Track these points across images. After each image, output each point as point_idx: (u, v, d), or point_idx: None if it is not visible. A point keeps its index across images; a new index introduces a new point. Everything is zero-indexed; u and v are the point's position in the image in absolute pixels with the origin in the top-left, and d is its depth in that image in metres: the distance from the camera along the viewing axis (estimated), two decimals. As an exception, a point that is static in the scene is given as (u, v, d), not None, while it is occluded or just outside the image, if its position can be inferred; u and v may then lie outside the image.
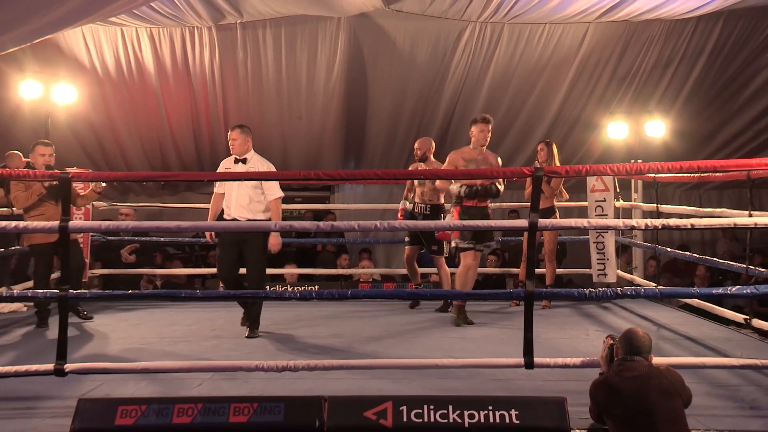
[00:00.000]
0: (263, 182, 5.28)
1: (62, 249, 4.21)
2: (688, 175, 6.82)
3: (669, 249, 7.22)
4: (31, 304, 6.33)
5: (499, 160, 5.99)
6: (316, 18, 8.56)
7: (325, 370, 3.95)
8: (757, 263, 7.67)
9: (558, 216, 6.71)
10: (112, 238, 7.77)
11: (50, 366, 3.85)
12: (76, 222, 5.57)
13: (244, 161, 5.39)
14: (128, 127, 9.59)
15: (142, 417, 3.47)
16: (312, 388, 3.95)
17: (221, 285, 7.49)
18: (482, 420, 3.45)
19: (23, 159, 6.74)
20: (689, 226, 4.09)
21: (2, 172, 4.53)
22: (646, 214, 7.25)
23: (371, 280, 8.28)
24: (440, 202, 6.42)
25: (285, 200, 10.84)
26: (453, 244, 5.87)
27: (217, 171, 5.59)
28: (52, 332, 5.33)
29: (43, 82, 8.23)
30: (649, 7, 8.04)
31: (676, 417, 3.11)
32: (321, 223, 4.20)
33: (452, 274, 6.50)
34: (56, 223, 3.98)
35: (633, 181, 7.75)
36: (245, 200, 5.32)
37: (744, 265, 5.59)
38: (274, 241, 5.31)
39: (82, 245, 7.00)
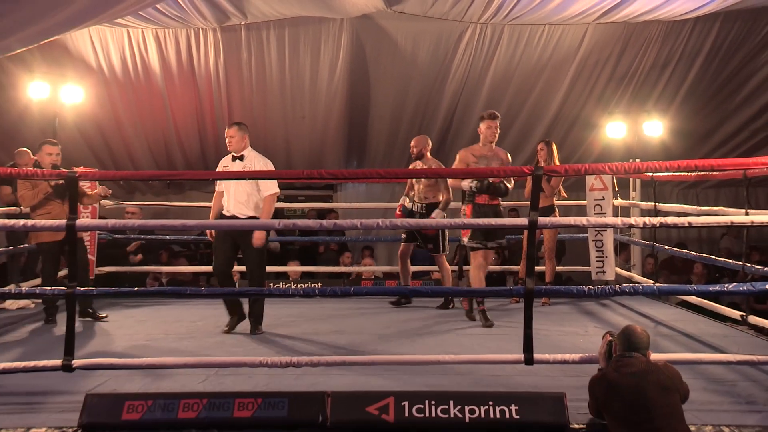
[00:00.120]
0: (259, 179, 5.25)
1: (69, 247, 4.21)
2: (686, 173, 6.81)
3: (667, 247, 7.22)
4: (39, 301, 6.34)
5: (509, 155, 5.94)
6: (319, 19, 8.56)
7: (327, 366, 3.96)
8: (755, 261, 7.66)
9: (557, 214, 6.70)
10: (119, 236, 7.78)
11: (58, 362, 3.86)
12: (83, 220, 5.57)
13: (241, 158, 5.35)
14: (134, 126, 9.60)
15: (149, 412, 3.47)
16: (315, 383, 3.95)
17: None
18: (483, 415, 3.45)
19: (32, 156, 6.75)
20: (687, 224, 4.09)
21: (11, 171, 4.53)
22: (644, 213, 7.24)
23: (373, 277, 8.28)
24: (436, 200, 6.38)
25: (289, 199, 11.00)
26: (464, 242, 5.83)
27: (217, 170, 5.57)
28: (60, 329, 5.35)
29: (51, 82, 8.24)
30: (647, 9, 8.03)
31: (673, 412, 3.11)
32: (324, 221, 4.20)
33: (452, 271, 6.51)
34: (64, 221, 3.98)
35: (631, 179, 7.75)
36: (243, 197, 5.30)
37: (741, 263, 5.59)
38: (258, 236, 5.24)
39: (88, 243, 7.01)
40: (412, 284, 6.85)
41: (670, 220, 4.10)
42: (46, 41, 6.35)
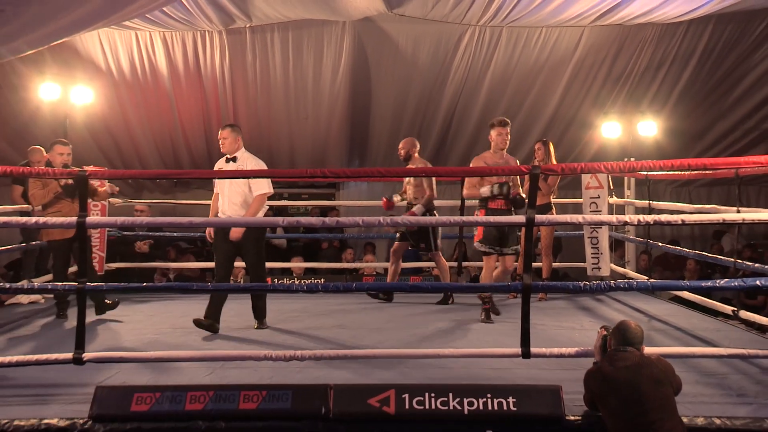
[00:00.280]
0: (251, 178, 5.20)
1: (80, 244, 4.22)
2: (679, 172, 6.82)
3: (660, 244, 7.22)
4: (49, 296, 6.36)
5: (517, 161, 5.85)
6: (322, 22, 8.55)
7: (330, 359, 3.97)
8: (746, 257, 7.67)
9: (554, 212, 6.70)
10: (128, 233, 7.79)
11: (69, 355, 3.88)
12: (92, 218, 5.57)
13: (234, 160, 5.31)
14: (142, 127, 9.60)
15: (157, 404, 3.49)
16: (318, 376, 3.96)
17: (231, 278, 7.54)
18: (481, 407, 3.45)
19: (45, 154, 6.76)
20: (680, 222, 4.10)
21: (23, 171, 4.54)
22: (639, 210, 7.25)
23: (375, 273, 8.29)
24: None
25: (292, 197, 10.98)
26: (475, 246, 5.73)
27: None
28: (71, 323, 5.37)
29: (61, 84, 8.24)
30: (641, 12, 8.02)
31: (666, 404, 3.12)
32: (327, 219, 4.19)
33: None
34: (74, 219, 3.99)
35: (626, 178, 7.75)
36: (238, 198, 5.25)
37: (732, 259, 5.59)
38: (235, 231, 5.17)
39: (97, 240, 7.03)
40: (413, 280, 6.86)
41: (663, 217, 4.11)
42: (55, 43, 6.36)
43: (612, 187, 7.43)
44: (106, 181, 6.13)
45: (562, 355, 3.88)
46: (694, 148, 10.03)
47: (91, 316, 5.57)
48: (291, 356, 3.84)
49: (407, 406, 3.47)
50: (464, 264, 7.69)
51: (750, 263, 5.71)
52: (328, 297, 6.67)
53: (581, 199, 7.39)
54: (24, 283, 6.19)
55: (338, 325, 5.59)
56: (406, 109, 9.61)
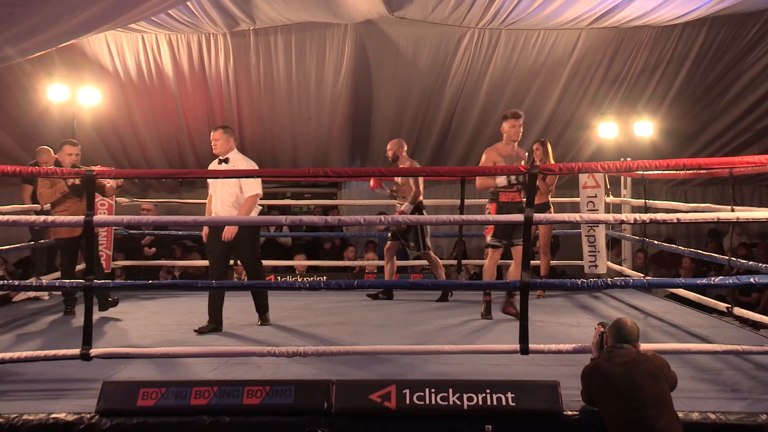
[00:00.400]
0: (242, 179, 5.12)
1: (87, 242, 4.22)
2: (675, 172, 6.80)
3: (656, 242, 7.22)
4: (57, 293, 6.36)
5: (526, 154, 5.76)
6: (324, 25, 8.55)
7: (332, 355, 3.96)
8: (741, 255, 7.65)
9: (552, 211, 6.69)
10: (134, 231, 7.79)
11: (76, 351, 3.87)
12: (99, 216, 5.56)
13: (226, 161, 5.23)
14: (148, 127, 9.61)
15: (162, 399, 3.48)
16: (320, 372, 3.95)
17: (235, 275, 7.55)
18: (480, 402, 3.45)
19: (53, 154, 6.76)
20: (675, 221, 4.09)
21: (32, 171, 4.54)
22: (635, 209, 7.23)
23: (376, 271, 8.29)
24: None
25: (295, 196, 10.97)
26: (487, 241, 5.61)
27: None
28: (78, 320, 5.37)
29: (69, 85, 8.24)
30: (637, 14, 8.01)
31: (662, 400, 3.11)
32: (329, 218, 4.18)
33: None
34: (82, 217, 3.99)
35: (622, 178, 7.74)
36: (230, 199, 5.18)
37: (726, 257, 5.58)
38: (229, 229, 5.07)
39: (104, 238, 7.03)
40: (413, 277, 6.85)
41: (659, 216, 4.10)
42: (63, 45, 6.36)
43: (609, 187, 7.42)
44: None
45: (559, 352, 3.87)
46: (689, 148, 10.02)
47: (97, 313, 5.58)
48: (294, 352, 3.84)
49: (408, 402, 3.46)
50: (463, 261, 7.69)
51: (744, 261, 5.70)
52: (330, 294, 6.67)
53: (578, 198, 7.37)
54: (33, 280, 6.20)
55: (340, 322, 5.58)
56: (406, 110, 9.61)
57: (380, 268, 8.43)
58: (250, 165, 5.27)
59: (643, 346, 3.41)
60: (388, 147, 6.54)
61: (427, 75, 9.17)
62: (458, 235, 7.70)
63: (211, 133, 5.32)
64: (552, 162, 6.69)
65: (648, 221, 4.07)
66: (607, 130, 9.24)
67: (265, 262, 8.55)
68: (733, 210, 4.95)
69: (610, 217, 5.76)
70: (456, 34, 8.69)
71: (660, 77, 9.33)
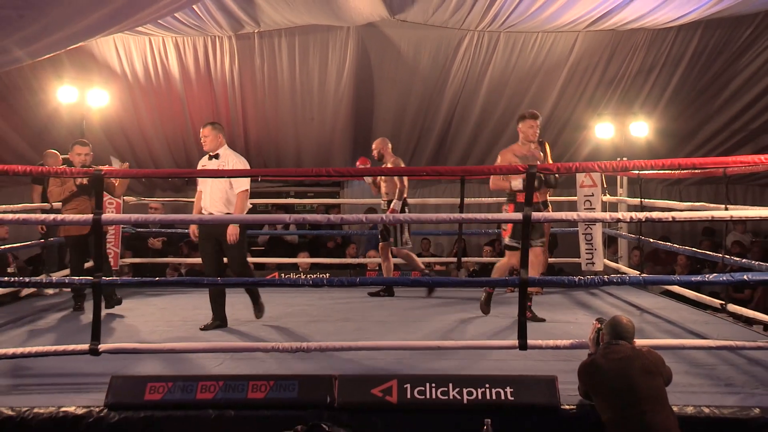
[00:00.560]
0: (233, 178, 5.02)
1: (96, 239, 4.22)
2: (670, 171, 6.79)
3: (652, 240, 7.20)
4: (66, 289, 6.37)
5: (542, 154, 5.56)
6: (327, 27, 8.54)
7: (335, 351, 3.96)
8: (735, 253, 7.64)
9: (550, 209, 6.67)
10: (141, 229, 7.79)
11: (85, 346, 3.88)
12: (108, 215, 5.57)
13: (216, 157, 5.11)
14: (155, 128, 9.61)
15: (169, 393, 3.48)
16: (323, 367, 3.95)
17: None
18: (480, 397, 3.45)
19: (60, 157, 6.77)
20: (670, 219, 4.09)
21: (42, 170, 4.55)
22: (631, 208, 7.21)
23: (377, 268, 8.28)
24: (393, 197, 6.32)
25: (299, 195, 10.96)
26: (505, 242, 5.43)
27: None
28: (87, 316, 5.38)
29: (78, 87, 8.25)
30: (633, 17, 8.00)
31: (657, 394, 3.11)
32: (332, 216, 4.18)
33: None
34: (90, 216, 3.99)
35: (619, 177, 7.73)
36: (219, 195, 5.07)
37: (720, 255, 5.58)
38: (232, 231, 4.97)
39: (113, 236, 7.03)
40: (414, 275, 6.84)
41: (655, 215, 4.09)
42: (72, 47, 6.35)
43: (605, 186, 7.41)
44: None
45: (557, 347, 3.87)
46: (683, 148, 10.01)
47: (105, 310, 5.58)
48: (297, 348, 3.84)
49: (409, 396, 3.46)
50: (463, 259, 7.69)
51: (738, 258, 5.69)
52: (332, 291, 6.66)
53: (576, 197, 7.36)
54: (43, 277, 6.21)
55: (343, 318, 5.58)
56: (407, 110, 9.60)
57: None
58: (241, 160, 5.17)
59: (639, 342, 3.41)
60: (373, 146, 6.52)
61: (428, 77, 9.16)
62: (458, 233, 7.70)
63: (201, 130, 5.21)
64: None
65: (644, 219, 4.07)
66: (603, 130, 9.23)
67: (269, 260, 8.63)
68: (726, 209, 4.95)
69: (607, 215, 5.77)
70: (456, 36, 8.68)
71: (655, 79, 9.32)
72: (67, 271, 6.53)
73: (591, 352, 3.50)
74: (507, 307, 5.86)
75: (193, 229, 5.34)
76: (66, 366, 3.99)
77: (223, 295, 5.19)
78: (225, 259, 5.28)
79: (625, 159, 7.09)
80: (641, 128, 9.13)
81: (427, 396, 3.46)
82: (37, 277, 6.50)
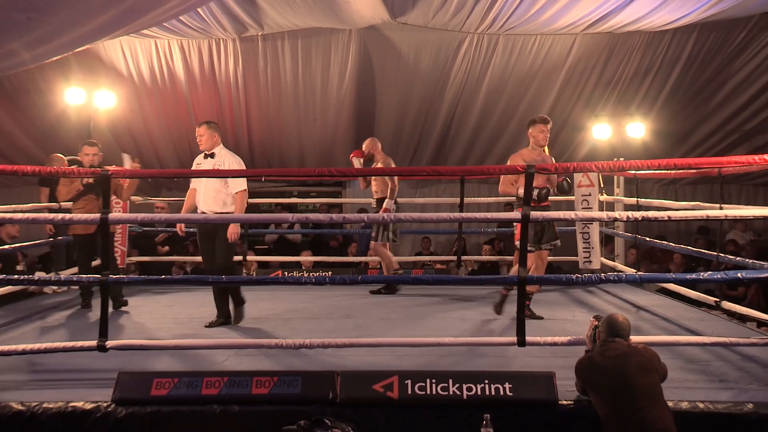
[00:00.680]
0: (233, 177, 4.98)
1: (102, 238, 4.22)
2: (666, 171, 6.78)
3: (648, 239, 7.20)
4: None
5: (553, 159, 5.52)
6: (330, 30, 8.54)
7: (337, 347, 3.96)
8: (729, 251, 7.64)
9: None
10: (148, 228, 7.80)
11: (93, 342, 3.88)
12: (114, 214, 5.58)
13: (212, 156, 5.07)
14: (161, 129, 9.62)
15: (175, 388, 3.49)
16: (326, 363, 3.95)
17: (244, 270, 7.56)
18: (479, 392, 3.45)
19: (66, 160, 6.79)
20: (666, 218, 4.09)
21: (50, 170, 4.56)
22: (628, 207, 7.21)
23: (379, 266, 8.28)
24: (384, 195, 6.32)
25: (302, 194, 10.96)
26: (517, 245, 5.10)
27: (192, 168, 5.35)
28: (95, 313, 5.39)
29: (86, 88, 8.26)
30: (630, 20, 7.99)
31: (653, 391, 3.12)
32: (334, 216, 4.18)
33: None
34: (98, 215, 4.00)
35: (615, 177, 7.72)
36: (212, 193, 5.02)
37: (715, 253, 5.58)
38: (232, 230, 4.94)
39: (120, 235, 7.03)
40: (415, 273, 6.85)
41: (651, 214, 4.09)
42: (79, 50, 6.36)
43: (602, 186, 7.40)
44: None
45: (555, 344, 3.88)
46: (679, 148, 10.00)
47: (112, 307, 5.58)
48: (300, 344, 3.84)
49: (410, 392, 3.47)
50: (463, 258, 7.69)
51: (732, 257, 5.69)
52: (335, 289, 6.66)
53: (573, 197, 7.36)
54: (51, 275, 6.22)
55: (345, 315, 5.58)
56: (408, 112, 9.60)
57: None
58: (236, 160, 5.11)
59: (635, 339, 3.42)
60: (364, 146, 6.52)
61: (428, 78, 9.16)
62: (458, 232, 7.71)
63: (196, 129, 5.16)
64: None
65: (640, 218, 4.07)
66: (601, 131, 9.23)
67: (273, 258, 8.63)
68: (721, 208, 4.95)
69: (604, 214, 5.76)
70: (456, 39, 8.68)
71: (652, 80, 9.31)
72: (74, 269, 6.54)
73: (588, 349, 3.50)
74: (506, 305, 5.87)
75: (180, 227, 5.37)
76: (74, 362, 4.01)
77: (226, 292, 5.18)
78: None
79: (621, 159, 7.09)
80: (638, 129, 9.12)
81: (428, 391, 3.47)
82: (45, 275, 6.50)
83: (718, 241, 6.31)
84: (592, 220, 7.04)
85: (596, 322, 3.50)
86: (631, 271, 6.99)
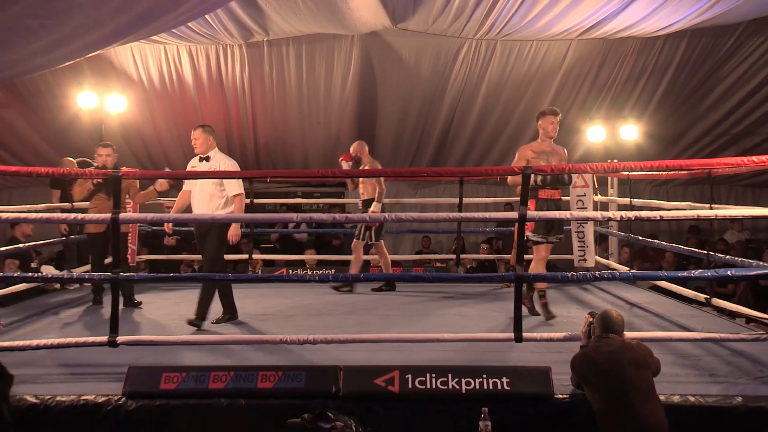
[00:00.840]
0: (224, 179, 4.91)
1: (113, 237, 4.22)
2: (658, 172, 6.77)
3: (640, 238, 7.18)
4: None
5: (566, 151, 5.38)
6: (333, 36, 8.54)
7: (340, 343, 3.96)
8: (719, 250, 7.62)
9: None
10: (157, 228, 7.79)
11: (104, 338, 3.89)
12: (125, 214, 5.57)
13: (207, 159, 4.98)
14: (170, 132, 9.62)
15: (183, 382, 3.49)
16: (329, 358, 3.95)
17: (250, 268, 7.55)
18: (477, 387, 3.45)
19: (76, 162, 6.80)
20: (658, 218, 4.08)
21: (63, 171, 4.57)
22: (621, 207, 7.21)
23: (380, 265, 8.27)
24: (371, 196, 6.32)
25: (306, 195, 10.95)
26: (528, 236, 5.13)
27: (186, 170, 5.26)
28: (106, 310, 5.39)
29: (98, 93, 8.26)
30: (623, 27, 7.99)
31: (646, 386, 3.11)
32: (337, 215, 4.18)
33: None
34: (109, 215, 4.00)
35: (609, 178, 7.72)
36: (206, 196, 4.94)
37: (706, 252, 5.57)
38: (233, 233, 4.89)
39: (130, 234, 7.03)
40: (415, 271, 6.84)
41: (643, 213, 4.09)
42: (91, 55, 6.36)
43: (597, 186, 7.39)
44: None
45: (551, 339, 3.87)
46: (671, 150, 9.99)
47: (122, 304, 5.58)
48: (304, 340, 3.84)
49: (410, 386, 3.47)
50: (462, 256, 7.68)
51: (722, 255, 5.69)
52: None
53: (569, 197, 7.35)
54: (64, 273, 6.22)
55: (347, 312, 5.58)
56: (408, 115, 9.60)
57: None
58: (231, 163, 5.05)
59: (628, 335, 3.41)
60: (351, 149, 6.49)
61: (428, 82, 9.16)
62: (457, 231, 7.70)
63: (192, 132, 5.09)
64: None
65: (633, 218, 4.07)
66: (595, 133, 9.22)
67: (278, 257, 8.62)
68: (711, 208, 4.94)
69: (598, 214, 5.76)
70: (455, 44, 8.68)
71: (644, 85, 9.31)
72: (86, 267, 6.55)
73: (583, 344, 3.50)
74: (502, 301, 5.87)
75: (168, 226, 5.38)
76: (86, 357, 4.00)
77: (229, 290, 5.14)
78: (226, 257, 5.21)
79: (615, 161, 7.07)
80: (631, 131, 9.12)
81: (428, 386, 3.46)
82: (58, 273, 6.51)
83: (708, 240, 6.29)
84: (587, 219, 7.03)
85: (591, 319, 3.49)
86: (624, 269, 6.98)
